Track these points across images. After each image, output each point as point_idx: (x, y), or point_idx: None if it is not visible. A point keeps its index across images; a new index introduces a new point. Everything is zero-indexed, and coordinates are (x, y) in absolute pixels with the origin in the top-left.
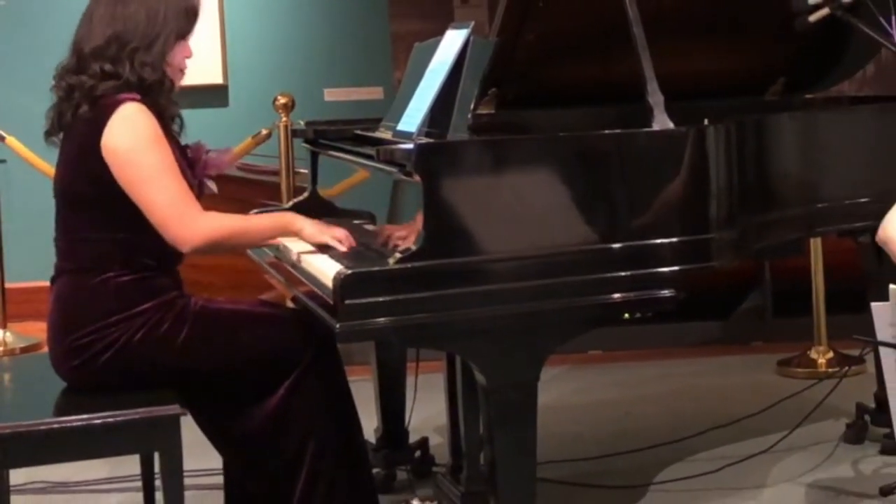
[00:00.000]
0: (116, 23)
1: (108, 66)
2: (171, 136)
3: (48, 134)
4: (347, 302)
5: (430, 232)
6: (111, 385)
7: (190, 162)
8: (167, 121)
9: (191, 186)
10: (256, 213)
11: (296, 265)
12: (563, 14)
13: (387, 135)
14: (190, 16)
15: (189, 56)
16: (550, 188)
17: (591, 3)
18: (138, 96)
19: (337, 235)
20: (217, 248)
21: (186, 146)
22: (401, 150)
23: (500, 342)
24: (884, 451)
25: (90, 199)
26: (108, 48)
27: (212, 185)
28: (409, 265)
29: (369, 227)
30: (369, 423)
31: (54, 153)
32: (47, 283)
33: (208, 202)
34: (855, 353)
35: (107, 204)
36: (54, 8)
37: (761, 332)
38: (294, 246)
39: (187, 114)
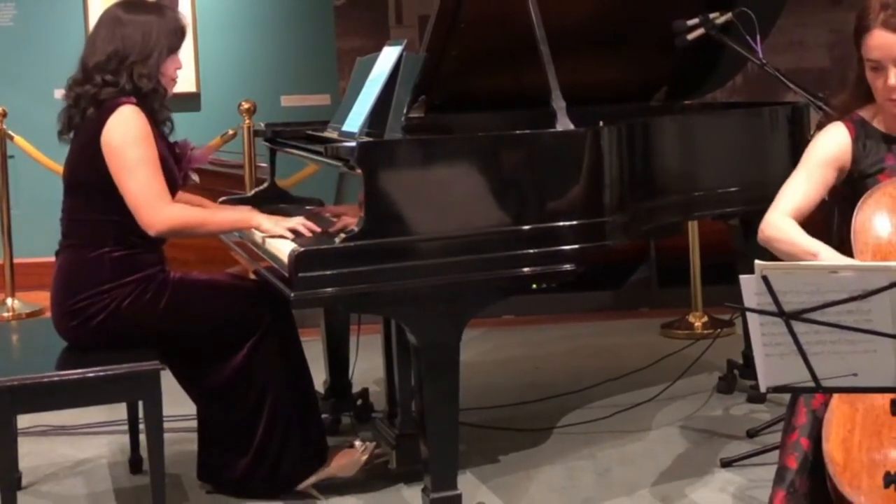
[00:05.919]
0: (116, 41)
1: (108, 77)
2: (161, 135)
3: (61, 133)
4: (300, 275)
5: (370, 216)
6: (103, 343)
7: (177, 157)
8: (159, 122)
9: (176, 178)
10: (223, 200)
11: (258, 244)
12: (482, 33)
13: (333, 134)
14: (179, 33)
15: (179, 67)
16: (471, 179)
17: (505, 25)
18: (134, 100)
19: (291, 227)
20: (179, 235)
21: (175, 143)
22: (345, 148)
23: (429, 308)
24: (750, 400)
25: (90, 186)
26: (108, 63)
27: (194, 177)
28: (352, 244)
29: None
30: (319, 377)
31: (55, 150)
32: (49, 259)
33: (190, 190)
34: (726, 317)
35: (103, 191)
36: (54, 28)
37: (648, 300)
38: None
39: None
